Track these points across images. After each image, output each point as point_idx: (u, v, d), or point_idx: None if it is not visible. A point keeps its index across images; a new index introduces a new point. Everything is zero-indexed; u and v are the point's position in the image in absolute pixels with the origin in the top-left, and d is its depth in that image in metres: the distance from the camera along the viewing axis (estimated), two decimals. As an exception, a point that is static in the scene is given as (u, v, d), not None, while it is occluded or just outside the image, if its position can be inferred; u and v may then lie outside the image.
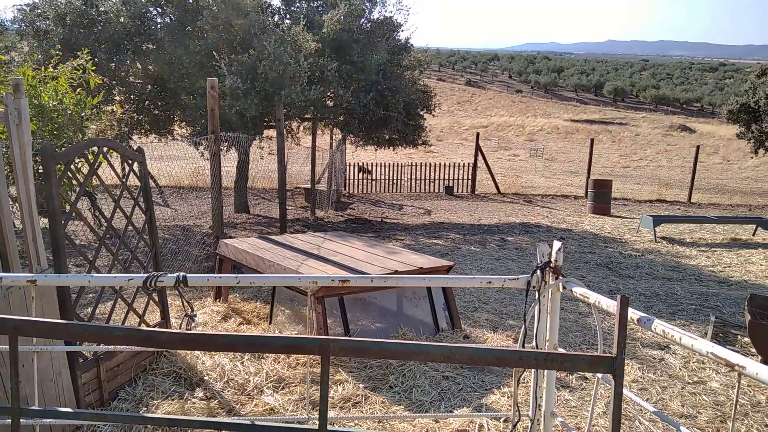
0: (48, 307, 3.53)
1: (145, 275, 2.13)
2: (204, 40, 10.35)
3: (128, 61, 10.49)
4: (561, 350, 2.25)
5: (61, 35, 10.12)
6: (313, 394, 4.20)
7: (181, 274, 2.12)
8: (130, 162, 4.47)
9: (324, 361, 1.70)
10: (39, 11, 10.70)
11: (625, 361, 1.66)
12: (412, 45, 13.03)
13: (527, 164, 27.95)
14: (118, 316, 4.75)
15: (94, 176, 4.13)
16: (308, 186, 14.05)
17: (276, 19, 12.07)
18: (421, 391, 4.31)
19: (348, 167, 17.56)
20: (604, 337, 5.48)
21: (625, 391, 1.69)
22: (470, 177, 18.19)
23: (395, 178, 18.05)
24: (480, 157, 18.18)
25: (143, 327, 4.29)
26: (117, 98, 10.88)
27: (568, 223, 12.76)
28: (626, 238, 11.17)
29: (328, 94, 11.02)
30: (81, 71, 5.92)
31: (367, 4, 11.92)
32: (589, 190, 15.08)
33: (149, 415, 2.06)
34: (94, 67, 6.17)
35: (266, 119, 11.39)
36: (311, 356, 3.86)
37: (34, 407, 1.99)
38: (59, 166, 3.76)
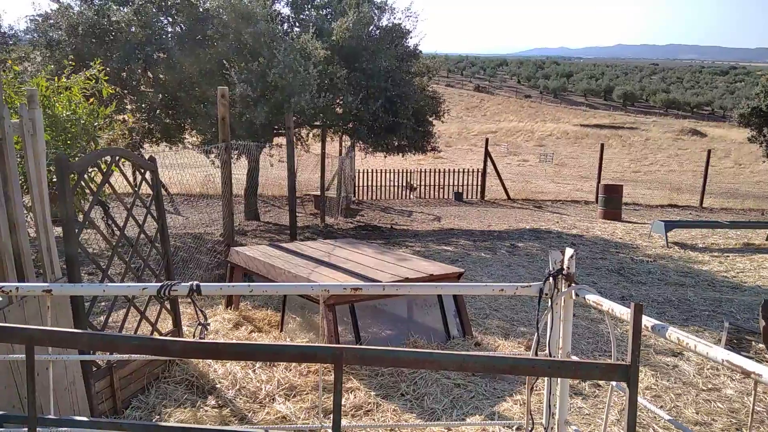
0: (62, 317, 3.55)
1: (159, 284, 2.14)
2: (214, 49, 10.43)
3: (139, 71, 10.58)
4: (574, 358, 2.24)
5: (74, 45, 10.23)
6: (325, 402, 4.20)
7: (195, 283, 2.14)
8: (142, 171, 4.51)
9: (337, 369, 1.70)
10: (51, 22, 10.82)
11: (639, 369, 1.65)
12: (420, 51, 13.07)
13: (537, 170, 27.87)
14: (131, 325, 4.78)
15: (107, 185, 4.17)
16: (318, 193, 14.08)
17: (285, 28, 12.15)
18: (432, 399, 4.30)
19: (357, 174, 17.59)
20: (617, 344, 5.44)
21: (639, 398, 1.68)
22: (480, 183, 18.16)
23: (405, 183, 18.05)
24: (489, 163, 18.15)
25: (156, 336, 4.32)
26: (128, 107, 10.97)
27: (578, 228, 12.71)
28: (638, 243, 11.10)
29: (338, 101, 11.07)
30: (94, 81, 5.98)
31: (376, 11, 11.97)
32: (599, 195, 15.01)
33: (164, 423, 2.07)
34: (106, 77, 6.23)
35: (276, 127, 11.45)
36: (324, 365, 3.87)
37: (50, 416, 2.01)
38: (73, 175, 3.80)
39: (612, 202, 14.42)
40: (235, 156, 10.54)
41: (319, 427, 3.22)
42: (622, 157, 33.99)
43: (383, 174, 17.81)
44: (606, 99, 61.45)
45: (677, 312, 6.89)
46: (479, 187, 18.15)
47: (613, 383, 2.21)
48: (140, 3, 10.52)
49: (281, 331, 5.69)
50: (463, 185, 18.10)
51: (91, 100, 5.85)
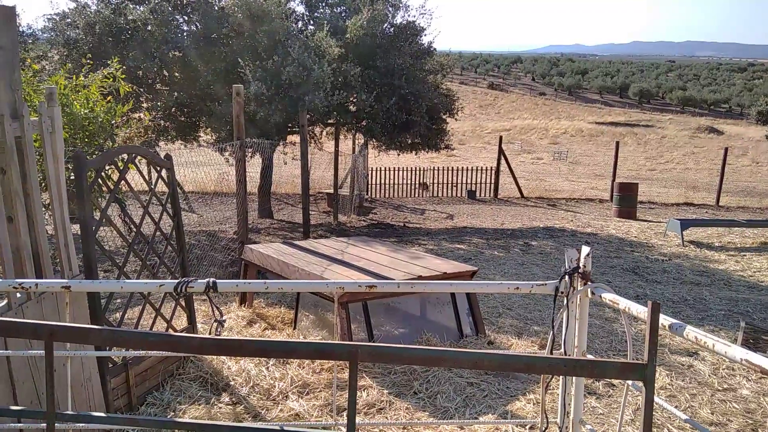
0: (79, 313, 3.60)
1: (176, 281, 2.16)
2: (229, 48, 10.48)
3: (155, 69, 10.65)
4: (590, 357, 2.23)
5: (91, 44, 10.32)
6: (338, 399, 4.21)
7: (211, 280, 2.15)
8: (158, 169, 4.55)
9: (352, 367, 1.71)
10: (69, 20, 10.92)
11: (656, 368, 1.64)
12: (434, 49, 13.02)
13: (551, 168, 27.71)
14: (146, 322, 4.82)
15: (124, 183, 4.21)
16: (331, 191, 14.11)
17: (300, 26, 12.17)
18: (445, 398, 4.30)
19: (370, 172, 17.60)
20: (632, 343, 5.41)
21: (655, 398, 1.67)
22: (493, 181, 18.09)
23: (418, 182, 18.02)
24: (503, 161, 18.07)
25: (172, 333, 4.35)
26: (144, 105, 11.06)
27: (593, 227, 12.62)
28: (653, 242, 11.00)
29: (351, 99, 11.07)
30: (111, 79, 6.04)
31: (390, 9, 11.95)
32: (614, 193, 14.88)
33: (180, 420, 2.09)
34: (123, 76, 6.28)
35: (290, 125, 11.48)
36: (338, 362, 3.88)
37: (67, 412, 2.04)
38: (90, 173, 3.84)
39: (627, 200, 14.30)
40: (249, 154, 10.58)
41: (332, 424, 3.24)
42: (637, 155, 33.70)
43: (396, 172, 17.80)
44: (621, 96, 60.93)
45: (693, 311, 6.83)
46: (492, 185, 18.08)
47: (629, 382, 2.19)
48: (157, 2, 10.59)
49: (295, 328, 5.72)
50: (476, 183, 18.03)
51: (109, 98, 5.90)
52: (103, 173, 4.04)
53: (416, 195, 17.92)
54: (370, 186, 17.60)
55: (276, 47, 9.92)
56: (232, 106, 7.32)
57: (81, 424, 2.17)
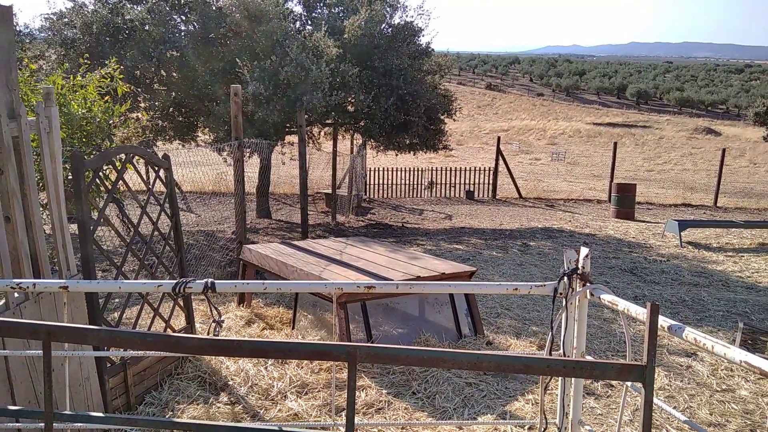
0: (77, 313, 3.59)
1: (174, 281, 2.16)
2: (227, 48, 10.47)
3: (153, 69, 10.64)
4: (589, 358, 2.23)
5: (88, 44, 10.31)
6: (336, 399, 4.21)
7: (210, 280, 2.15)
8: (156, 169, 4.54)
9: (351, 367, 1.70)
10: (66, 20, 10.91)
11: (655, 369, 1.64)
12: (432, 49, 13.03)
13: (549, 168, 27.74)
14: (144, 322, 4.81)
15: (121, 183, 4.20)
16: (329, 191, 14.10)
17: (298, 26, 12.17)
18: (444, 398, 4.29)
19: (369, 172, 17.60)
20: (630, 344, 5.41)
21: (654, 399, 1.67)
22: (491, 181, 18.10)
23: (416, 182, 18.03)
24: (501, 161, 18.09)
25: (170, 333, 4.34)
26: (142, 105, 11.04)
27: (591, 227, 12.64)
28: (651, 243, 11.02)
29: (350, 99, 11.07)
30: (109, 79, 6.02)
31: (388, 9, 11.96)
32: (612, 194, 14.91)
33: (178, 420, 2.08)
34: (121, 75, 6.27)
35: (288, 125, 11.47)
36: (337, 362, 3.88)
37: (65, 412, 2.03)
38: (88, 173, 3.83)
39: (625, 201, 14.32)
40: (248, 154, 10.57)
41: (331, 424, 3.23)
42: (635, 155, 33.76)
43: (394, 172, 17.81)
44: (619, 97, 61.05)
45: (691, 312, 6.84)
46: (491, 185, 18.10)
47: (628, 384, 2.19)
48: (154, 1, 10.58)
49: (293, 328, 5.71)
50: (474, 184, 18.05)
51: (106, 98, 5.89)
52: (100, 173, 4.03)
53: (421, 194, 17.90)
54: (368, 186, 17.60)
55: (274, 47, 9.92)
56: (230, 106, 7.31)
57: (79, 424, 2.16)
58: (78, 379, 3.52)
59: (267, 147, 11.24)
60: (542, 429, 2.29)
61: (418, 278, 5.07)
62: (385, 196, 17.78)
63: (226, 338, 1.69)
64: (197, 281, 2.17)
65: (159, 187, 4.64)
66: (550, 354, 2.29)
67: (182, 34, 11.05)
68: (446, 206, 16.19)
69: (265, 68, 9.58)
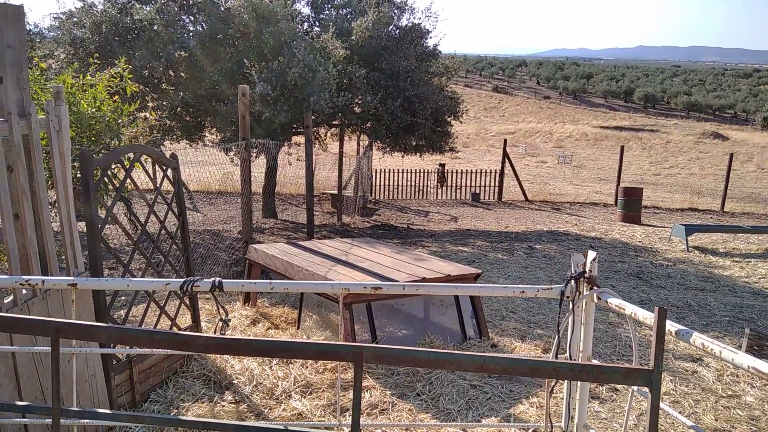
0: (84, 310, 3.61)
1: (182, 280, 2.17)
2: (235, 48, 10.50)
3: (161, 69, 10.68)
4: (596, 362, 2.22)
5: (97, 43, 10.36)
6: (342, 400, 4.21)
7: (217, 279, 2.16)
8: (164, 168, 4.56)
9: (357, 368, 1.71)
10: (75, 20, 10.96)
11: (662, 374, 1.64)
12: (440, 51, 13.03)
13: (555, 171, 27.68)
14: (150, 320, 4.83)
15: (129, 181, 4.22)
16: (335, 192, 14.12)
17: (305, 27, 12.20)
18: (448, 400, 4.29)
19: (375, 173, 17.61)
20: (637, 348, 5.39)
21: (660, 404, 1.67)
22: (497, 184, 18.08)
23: (422, 184, 18.03)
24: (507, 164, 18.06)
25: (176, 331, 4.36)
26: (150, 105, 11.08)
27: (597, 231, 12.60)
28: (657, 247, 10.98)
29: (356, 100, 11.09)
30: (118, 79, 6.05)
31: (396, 11, 11.97)
32: (618, 197, 14.86)
33: (184, 417, 2.09)
34: (130, 75, 6.30)
35: (294, 126, 11.50)
36: (342, 363, 3.88)
37: (72, 408, 2.04)
38: (96, 171, 3.85)
39: (631, 204, 14.27)
40: (254, 154, 10.60)
41: (336, 424, 3.24)
42: (642, 159, 33.65)
43: (400, 174, 17.82)
44: (626, 101, 60.86)
45: (697, 317, 6.81)
46: (497, 188, 18.08)
47: (634, 388, 2.19)
48: (163, 2, 10.62)
49: (298, 328, 5.72)
50: (480, 186, 18.03)
51: (115, 97, 5.92)
52: (109, 172, 4.05)
53: (420, 197, 17.90)
54: (374, 187, 17.61)
55: (282, 48, 9.94)
56: (237, 106, 7.33)
57: (85, 421, 2.17)
58: (84, 376, 3.53)
59: (274, 147, 11.27)
60: (547, 432, 2.29)
61: (424, 280, 5.07)
62: (390, 197, 17.78)
63: (234, 337, 1.70)
64: (204, 280, 2.18)
65: (166, 186, 4.67)
66: (557, 357, 2.29)
67: (190, 34, 11.09)
68: (452, 208, 16.18)
69: (273, 69, 9.61)
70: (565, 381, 2.30)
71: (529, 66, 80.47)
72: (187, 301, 4.84)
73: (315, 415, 4.05)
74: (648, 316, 1.91)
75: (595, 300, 2.20)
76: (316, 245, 6.48)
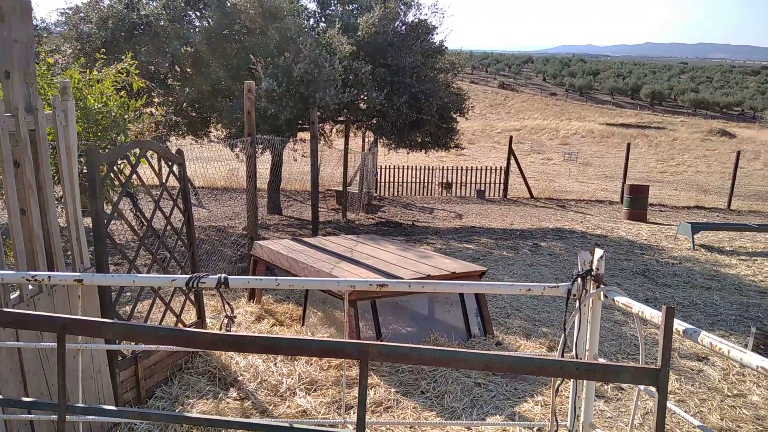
0: (89, 305, 3.61)
1: (188, 276, 2.16)
2: (241, 44, 10.50)
3: (167, 65, 10.69)
4: (602, 360, 2.21)
5: (104, 38, 10.37)
6: (346, 397, 4.22)
7: (223, 275, 2.15)
8: (170, 164, 4.56)
9: (363, 365, 1.70)
10: (82, 15, 10.98)
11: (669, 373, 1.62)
12: (446, 47, 12.99)
13: (561, 168, 27.60)
14: (155, 316, 4.84)
15: (135, 177, 4.23)
16: (340, 188, 14.11)
17: (312, 23, 12.18)
18: (453, 398, 4.29)
19: (380, 170, 17.60)
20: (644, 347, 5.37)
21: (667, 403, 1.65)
22: (502, 181, 18.05)
23: (427, 181, 18.01)
24: (513, 161, 18.02)
25: (181, 327, 4.37)
26: (156, 101, 11.10)
27: (603, 229, 12.56)
28: (663, 245, 10.94)
29: (362, 96, 11.07)
30: (125, 74, 6.06)
31: (402, 7, 11.94)
32: (624, 195, 14.80)
33: (190, 414, 2.10)
34: (137, 71, 6.31)
35: (300, 122, 11.50)
36: (347, 360, 3.88)
37: (78, 404, 2.05)
38: (103, 167, 3.86)
39: (637, 202, 14.21)
40: (260, 150, 10.60)
41: (341, 422, 3.24)
42: (648, 157, 33.50)
43: (405, 170, 17.80)
44: (633, 98, 60.57)
45: (703, 316, 6.78)
46: (502, 185, 18.04)
47: (641, 387, 2.18)
48: (169, -3, 10.63)
49: (303, 325, 5.72)
50: (485, 183, 18.00)
51: (122, 92, 5.93)
52: (115, 167, 4.06)
53: (432, 192, 17.87)
54: (379, 184, 17.60)
55: (288, 44, 9.93)
56: (243, 102, 7.33)
57: (91, 417, 2.18)
58: (89, 372, 3.54)
59: (279, 143, 11.27)
60: (553, 431, 2.28)
61: (429, 277, 5.06)
62: (395, 194, 17.77)
63: (239, 334, 1.70)
64: (210, 276, 2.18)
65: (172, 182, 4.67)
66: (562, 356, 2.28)
67: (197, 30, 11.09)
68: (457, 205, 16.16)
69: (279, 65, 9.60)
70: (572, 380, 2.29)
71: (536, 62, 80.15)
72: (193, 298, 4.85)
73: (320, 412, 4.05)
74: (655, 315, 1.89)
75: (602, 298, 2.18)
76: (321, 242, 6.48)
